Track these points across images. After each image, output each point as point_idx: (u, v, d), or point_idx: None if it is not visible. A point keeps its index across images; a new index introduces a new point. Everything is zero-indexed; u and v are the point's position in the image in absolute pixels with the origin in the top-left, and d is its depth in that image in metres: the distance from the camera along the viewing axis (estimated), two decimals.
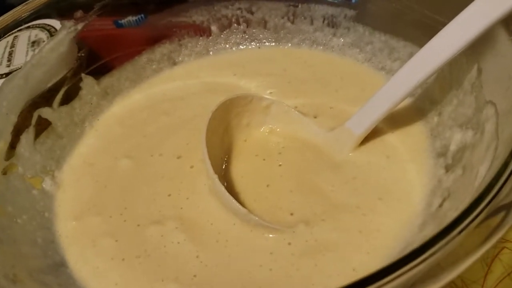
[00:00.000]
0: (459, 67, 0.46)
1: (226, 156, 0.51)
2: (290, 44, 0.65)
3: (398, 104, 0.45)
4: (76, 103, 0.57)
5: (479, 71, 0.43)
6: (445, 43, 0.41)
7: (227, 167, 0.50)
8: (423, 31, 0.50)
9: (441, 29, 0.42)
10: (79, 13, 0.57)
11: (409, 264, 0.27)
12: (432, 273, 0.27)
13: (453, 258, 0.28)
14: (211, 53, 0.66)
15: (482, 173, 0.35)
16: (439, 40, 0.42)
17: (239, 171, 0.50)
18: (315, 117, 0.53)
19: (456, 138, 0.44)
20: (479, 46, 0.42)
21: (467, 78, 0.45)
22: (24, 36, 0.58)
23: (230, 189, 0.47)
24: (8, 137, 0.50)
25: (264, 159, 0.51)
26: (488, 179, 0.31)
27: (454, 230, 0.28)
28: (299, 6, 0.62)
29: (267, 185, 0.48)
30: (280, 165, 0.50)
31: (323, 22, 0.62)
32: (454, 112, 0.46)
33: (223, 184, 0.46)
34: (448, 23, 0.41)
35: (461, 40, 0.40)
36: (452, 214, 0.35)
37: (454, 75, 0.47)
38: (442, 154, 0.46)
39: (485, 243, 0.27)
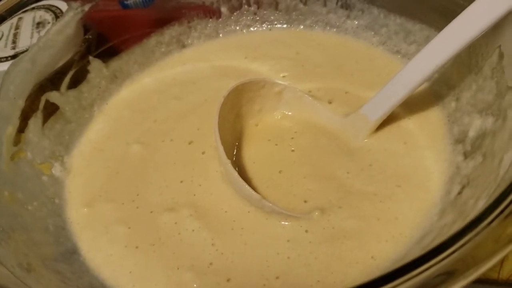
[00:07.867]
0: (479, 51, 0.45)
1: (237, 141, 0.50)
2: (302, 26, 0.63)
3: (415, 90, 0.44)
4: (84, 87, 0.56)
5: (501, 55, 0.42)
6: (465, 26, 0.40)
7: (238, 153, 0.49)
8: (440, 14, 0.49)
9: (460, 12, 0.40)
10: None
11: (437, 257, 0.27)
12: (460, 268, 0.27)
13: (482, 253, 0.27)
14: (221, 35, 0.64)
15: (507, 161, 0.34)
16: (458, 22, 0.41)
17: (250, 157, 0.49)
18: (329, 103, 0.52)
19: (475, 125, 0.43)
20: (501, 29, 0.41)
21: (487, 62, 0.44)
22: (28, 18, 0.57)
23: (242, 175, 0.46)
24: (16, 122, 0.49)
25: (276, 144, 0.50)
26: None
27: (484, 221, 0.28)
28: None
29: (280, 171, 0.47)
30: (292, 150, 0.49)
31: (337, 3, 0.60)
32: (473, 97, 0.45)
33: (235, 170, 0.45)
34: (467, 6, 0.40)
35: (482, 23, 0.39)
36: (473, 203, 0.35)
37: (473, 60, 0.46)
38: (460, 140, 0.45)
39: None
